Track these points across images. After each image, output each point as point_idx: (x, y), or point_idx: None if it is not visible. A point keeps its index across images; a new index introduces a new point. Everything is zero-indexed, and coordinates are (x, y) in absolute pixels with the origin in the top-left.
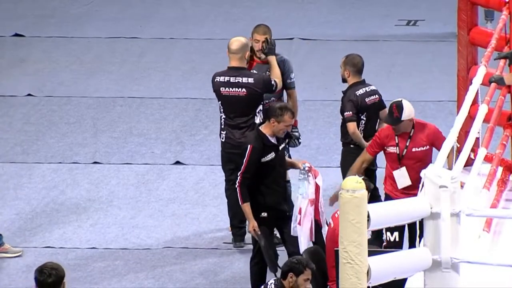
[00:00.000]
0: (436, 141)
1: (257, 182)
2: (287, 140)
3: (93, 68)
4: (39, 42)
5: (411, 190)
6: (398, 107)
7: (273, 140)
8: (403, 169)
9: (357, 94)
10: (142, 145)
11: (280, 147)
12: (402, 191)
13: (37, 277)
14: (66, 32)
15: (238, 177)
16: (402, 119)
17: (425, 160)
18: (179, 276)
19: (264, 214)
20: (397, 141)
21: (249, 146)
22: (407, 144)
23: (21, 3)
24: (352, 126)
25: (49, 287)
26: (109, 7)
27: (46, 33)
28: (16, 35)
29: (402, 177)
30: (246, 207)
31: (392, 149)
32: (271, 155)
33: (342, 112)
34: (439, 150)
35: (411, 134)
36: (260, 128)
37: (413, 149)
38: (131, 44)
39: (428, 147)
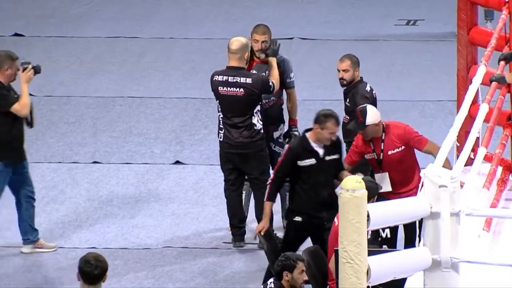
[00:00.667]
0: (410, 140)
1: (295, 184)
2: (340, 152)
3: (93, 68)
4: (39, 42)
5: (400, 190)
6: (362, 112)
7: (315, 147)
8: (385, 174)
9: (367, 90)
10: (141, 145)
11: (327, 158)
12: (393, 192)
13: (82, 267)
14: (66, 32)
15: (272, 175)
16: (366, 124)
17: (405, 160)
18: (178, 276)
19: (298, 218)
20: (372, 147)
21: (286, 146)
22: (382, 149)
23: (21, 3)
24: None
25: (94, 278)
26: (109, 7)
27: (46, 33)
28: (16, 35)
29: (382, 182)
30: (268, 206)
31: (370, 156)
32: (311, 161)
33: (354, 111)
34: (417, 148)
35: (383, 138)
36: (307, 132)
37: (389, 152)
38: (131, 44)
39: (403, 147)
